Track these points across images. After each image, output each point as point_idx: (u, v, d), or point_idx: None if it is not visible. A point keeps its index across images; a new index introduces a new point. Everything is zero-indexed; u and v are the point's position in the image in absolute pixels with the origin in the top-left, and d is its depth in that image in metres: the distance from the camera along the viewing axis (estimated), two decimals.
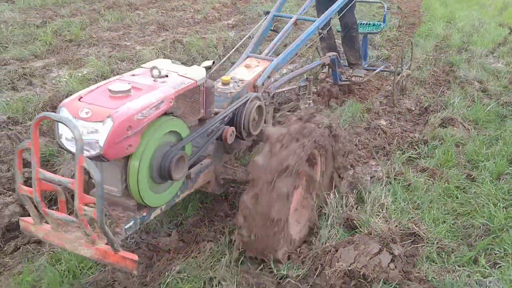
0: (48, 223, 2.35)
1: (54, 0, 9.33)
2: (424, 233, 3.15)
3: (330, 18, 4.72)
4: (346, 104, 5.31)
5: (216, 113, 2.95)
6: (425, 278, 2.83)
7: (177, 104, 2.53)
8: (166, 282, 2.70)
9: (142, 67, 2.71)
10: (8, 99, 4.98)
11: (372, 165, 4.26)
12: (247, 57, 3.86)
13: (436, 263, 2.96)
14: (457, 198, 3.65)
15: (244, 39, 4.64)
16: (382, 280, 2.76)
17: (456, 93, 5.75)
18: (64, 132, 2.28)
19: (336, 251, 2.96)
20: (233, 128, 3.00)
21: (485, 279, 2.76)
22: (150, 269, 2.87)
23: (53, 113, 2.18)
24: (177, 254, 2.97)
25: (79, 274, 2.77)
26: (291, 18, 4.37)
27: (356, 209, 3.33)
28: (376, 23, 6.14)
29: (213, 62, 2.95)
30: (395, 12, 10.80)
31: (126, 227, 2.41)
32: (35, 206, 2.30)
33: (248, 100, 3.13)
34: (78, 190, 2.08)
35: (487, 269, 2.87)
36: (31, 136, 2.13)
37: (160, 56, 6.51)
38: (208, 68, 2.83)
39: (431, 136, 4.62)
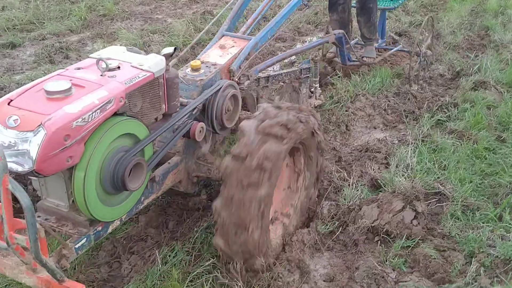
0: None
1: None
2: (449, 192, 3.18)
3: None
4: (375, 70, 5.28)
5: (183, 105, 2.62)
6: (448, 234, 2.87)
7: (130, 102, 2.21)
8: (195, 236, 2.85)
9: (90, 57, 2.37)
10: (46, 72, 5.19)
11: (401, 129, 4.27)
12: (222, 36, 3.43)
13: (460, 220, 3.00)
14: (485, 158, 3.64)
15: (220, 13, 4.03)
16: (405, 235, 2.82)
17: (490, 56, 5.62)
18: None
19: (360, 209, 3.03)
20: (202, 124, 2.65)
21: (508, 234, 2.78)
22: (181, 225, 3.02)
23: None
24: (206, 212, 3.10)
25: (114, 230, 2.94)
26: None
27: (381, 170, 3.38)
28: None
29: (175, 49, 2.48)
30: None
31: (76, 246, 2.13)
32: None
33: (220, 89, 2.76)
34: (6, 216, 1.79)
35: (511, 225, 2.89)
36: None
37: (190, 28, 6.60)
38: (169, 56, 2.44)
39: (462, 99, 4.57)
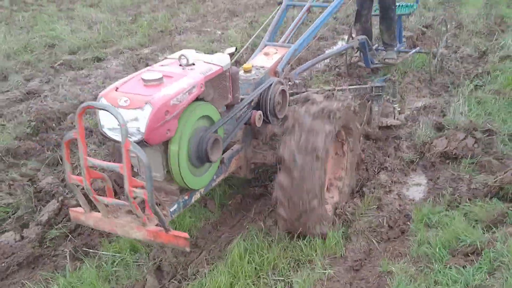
0: (97, 211, 2.55)
1: (131, 1, 10.88)
2: (496, 129, 4.33)
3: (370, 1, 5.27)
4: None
5: (241, 100, 3.13)
6: (501, 153, 4.02)
7: (207, 90, 2.71)
8: None
9: (168, 58, 2.93)
10: None
11: (445, 96, 5.45)
12: (264, 46, 4.04)
13: (507, 144, 4.14)
14: None
15: (258, 30, 4.82)
16: (469, 156, 3.97)
17: (510, 36, 6.84)
18: (106, 122, 2.46)
19: (431, 142, 4.20)
20: (260, 112, 3.18)
21: None
22: None
23: (96, 102, 2.39)
24: None
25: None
26: (304, 6, 4.55)
27: (442, 116, 4.57)
28: (408, 4, 6.21)
29: (236, 49, 3.11)
30: None
31: (171, 210, 2.65)
32: (83, 194, 2.53)
33: (271, 84, 3.27)
34: (127, 173, 2.25)
35: None
36: (77, 126, 2.29)
37: (244, 35, 7.86)
38: (231, 55, 3.02)
39: (493, 69, 5.76)
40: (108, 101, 2.43)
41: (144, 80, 2.51)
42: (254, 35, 4.84)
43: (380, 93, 4.41)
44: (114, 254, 3.07)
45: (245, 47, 4.96)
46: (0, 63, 6.77)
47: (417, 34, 7.53)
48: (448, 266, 2.74)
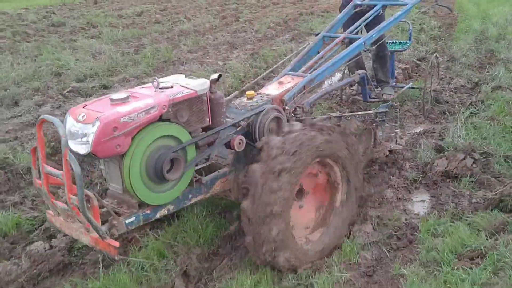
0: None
1: (131, 34, 11.31)
2: (492, 151, 4.68)
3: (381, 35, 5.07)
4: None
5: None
6: (498, 173, 4.36)
7: (177, 113, 2.89)
8: None
9: (154, 81, 3.03)
10: None
11: (443, 122, 5.81)
12: (283, 75, 4.11)
13: (503, 165, 4.48)
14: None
15: (287, 57, 5.02)
16: (468, 174, 4.30)
17: (501, 68, 7.30)
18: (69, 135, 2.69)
19: (433, 162, 4.53)
20: (241, 137, 3.18)
21: None
22: None
23: (47, 115, 2.68)
24: None
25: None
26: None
27: (441, 139, 4.91)
28: (402, 41, 6.51)
29: (219, 76, 3.14)
30: (432, 15, 12.46)
31: (127, 221, 2.81)
32: None
33: (263, 111, 3.32)
34: (66, 181, 2.53)
35: None
36: (37, 136, 2.70)
37: (246, 65, 8.25)
38: (215, 81, 3.09)
39: (486, 98, 6.16)
40: (71, 116, 2.75)
41: (111, 99, 2.78)
42: (271, 69, 5.02)
43: (384, 119, 4.58)
44: (143, 260, 3.30)
45: (254, 80, 5.12)
46: (11, 89, 7.08)
47: (411, 66, 8.00)
48: (456, 268, 3.02)
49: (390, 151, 4.71)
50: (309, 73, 4.09)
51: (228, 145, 3.21)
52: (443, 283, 2.94)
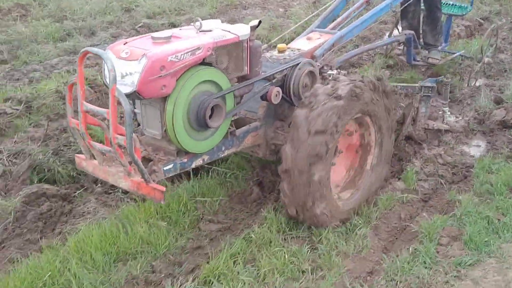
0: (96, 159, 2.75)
1: None
2: None
3: None
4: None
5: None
6: None
7: (217, 58, 2.83)
8: None
9: (191, 24, 3.02)
10: None
11: (501, 79, 6.01)
12: (311, 32, 4.05)
13: None
14: None
15: (313, 14, 4.87)
16: None
17: None
18: (107, 73, 2.54)
19: (491, 112, 4.81)
20: (278, 89, 3.15)
21: None
22: None
23: (93, 48, 2.57)
24: None
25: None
26: None
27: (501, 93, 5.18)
28: (462, 5, 6.04)
29: (259, 22, 3.06)
30: None
31: (165, 168, 2.76)
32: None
33: (298, 64, 3.28)
34: (112, 119, 2.43)
35: None
36: (77, 70, 2.52)
37: (309, 11, 8.51)
38: (254, 28, 3.00)
39: None
40: (113, 52, 2.64)
41: (153, 37, 2.71)
42: (307, 18, 4.95)
43: (429, 94, 4.34)
44: (226, 169, 3.79)
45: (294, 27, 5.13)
46: (87, 21, 7.61)
47: (474, 24, 8.09)
48: (508, 197, 3.39)
49: (434, 130, 4.48)
50: (338, 30, 4.08)
51: (264, 97, 3.17)
52: (495, 208, 3.32)
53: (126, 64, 2.56)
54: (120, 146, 2.51)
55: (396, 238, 3.25)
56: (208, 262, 2.97)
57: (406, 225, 3.34)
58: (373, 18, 4.33)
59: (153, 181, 2.65)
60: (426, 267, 2.87)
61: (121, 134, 2.46)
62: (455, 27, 7.33)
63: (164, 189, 2.58)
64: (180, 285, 2.78)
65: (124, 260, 3.02)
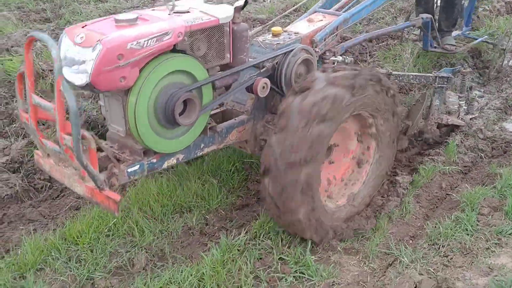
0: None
1: None
2: None
3: None
4: None
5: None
6: None
7: (191, 42, 2.48)
8: None
9: (167, 4, 2.68)
10: None
11: None
12: (314, 12, 3.68)
13: None
14: None
15: None
16: None
17: None
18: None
19: None
20: (266, 80, 2.80)
21: None
22: None
23: (36, 32, 2.30)
24: None
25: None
26: None
27: None
28: None
29: (246, 2, 2.69)
30: None
31: (129, 170, 2.43)
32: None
33: (291, 50, 2.91)
34: (59, 116, 2.12)
35: None
36: (24, 58, 2.24)
37: None
38: (239, 9, 2.66)
39: None
40: (68, 36, 2.33)
41: (116, 20, 2.38)
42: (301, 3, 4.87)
43: (445, 85, 4.00)
44: None
45: (284, 14, 4.68)
46: None
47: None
48: None
49: (448, 126, 4.22)
50: (343, 11, 3.71)
51: (250, 89, 2.83)
52: None
53: (81, 50, 2.25)
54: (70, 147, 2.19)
55: (437, 207, 3.42)
56: (256, 219, 3.17)
57: (447, 194, 3.51)
58: None
59: (112, 186, 2.39)
60: (468, 234, 3.03)
61: (68, 134, 2.14)
62: (494, 2, 7.31)
63: (118, 198, 2.27)
64: (234, 237, 2.99)
65: (180, 212, 3.26)
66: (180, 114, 2.49)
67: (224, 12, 2.61)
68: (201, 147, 2.78)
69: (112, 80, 2.24)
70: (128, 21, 2.36)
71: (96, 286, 2.69)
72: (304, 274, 2.75)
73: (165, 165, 2.65)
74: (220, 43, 2.65)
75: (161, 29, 2.34)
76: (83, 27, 2.38)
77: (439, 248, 2.96)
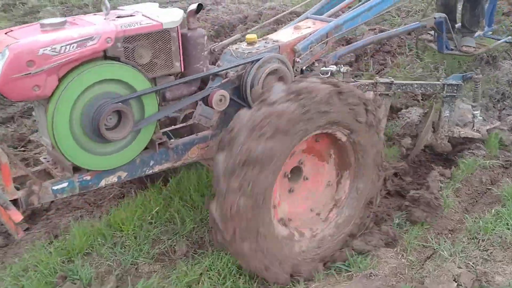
0: None
1: None
2: None
3: None
4: None
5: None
6: None
7: (126, 48, 2.29)
8: None
9: (118, 9, 2.58)
10: None
11: None
12: (305, 19, 3.40)
13: None
14: None
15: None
16: None
17: None
18: None
19: None
20: (223, 92, 2.55)
21: None
22: None
23: None
24: None
25: None
26: None
27: None
28: None
29: (200, 6, 2.53)
30: None
31: (54, 188, 2.27)
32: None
33: (260, 59, 2.68)
34: None
35: None
36: None
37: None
38: (193, 13, 2.52)
39: None
40: None
41: (41, 24, 2.24)
42: (291, 10, 4.49)
43: (455, 94, 3.60)
44: None
45: (271, 20, 3.94)
46: None
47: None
48: None
49: (462, 139, 3.89)
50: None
51: (205, 102, 2.60)
52: None
53: None
54: None
55: (477, 201, 3.41)
56: None
57: (487, 188, 3.49)
58: (388, 3, 3.47)
59: (30, 205, 2.25)
60: (508, 229, 3.01)
61: None
62: None
63: (19, 218, 2.14)
64: None
65: None
66: (114, 127, 2.34)
67: (170, 17, 2.42)
68: (150, 164, 2.57)
69: (23, 89, 2.09)
70: (53, 26, 2.22)
71: (140, 271, 2.81)
72: (342, 264, 2.80)
73: (102, 183, 2.45)
74: (167, 50, 2.45)
75: (84, 34, 2.18)
76: (6, 33, 2.26)
77: (478, 242, 2.95)
